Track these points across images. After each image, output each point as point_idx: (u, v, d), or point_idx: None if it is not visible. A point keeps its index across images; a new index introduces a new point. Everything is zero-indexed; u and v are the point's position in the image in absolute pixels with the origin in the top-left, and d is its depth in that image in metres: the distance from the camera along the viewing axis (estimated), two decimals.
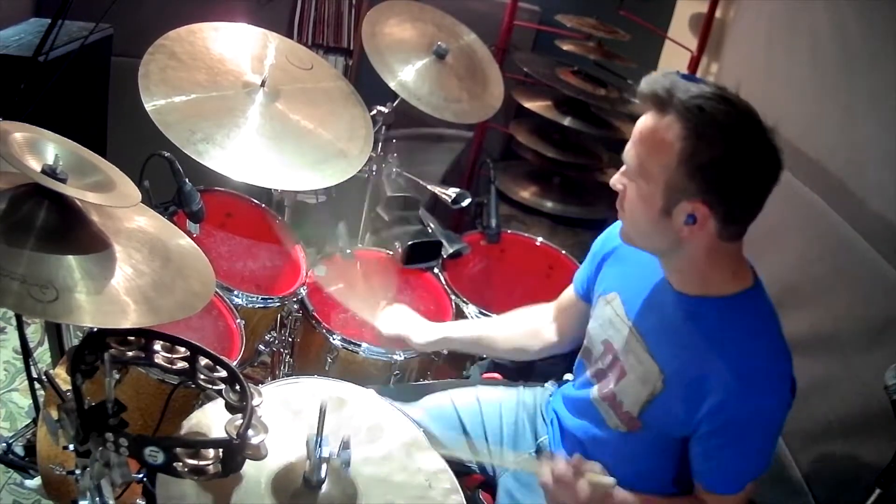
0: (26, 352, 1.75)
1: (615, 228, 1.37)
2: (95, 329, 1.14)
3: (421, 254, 2.05)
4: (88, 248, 1.11)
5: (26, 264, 1.03)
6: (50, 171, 1.08)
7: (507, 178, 2.89)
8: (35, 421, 1.86)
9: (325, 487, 1.14)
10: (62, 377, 1.39)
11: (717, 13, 2.69)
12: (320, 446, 1.11)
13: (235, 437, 1.05)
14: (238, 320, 1.72)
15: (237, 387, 1.16)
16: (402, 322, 1.74)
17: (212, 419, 1.23)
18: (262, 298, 1.83)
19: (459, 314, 1.98)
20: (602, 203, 2.82)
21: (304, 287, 1.91)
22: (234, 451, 1.05)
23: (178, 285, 1.19)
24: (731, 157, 1.09)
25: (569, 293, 1.59)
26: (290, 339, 1.98)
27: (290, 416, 1.29)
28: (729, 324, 1.21)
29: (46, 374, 1.37)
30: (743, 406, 1.17)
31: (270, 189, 2.32)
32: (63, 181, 1.09)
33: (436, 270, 2.08)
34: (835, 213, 1.61)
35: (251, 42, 1.94)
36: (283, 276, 2.03)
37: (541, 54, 2.99)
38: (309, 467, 1.13)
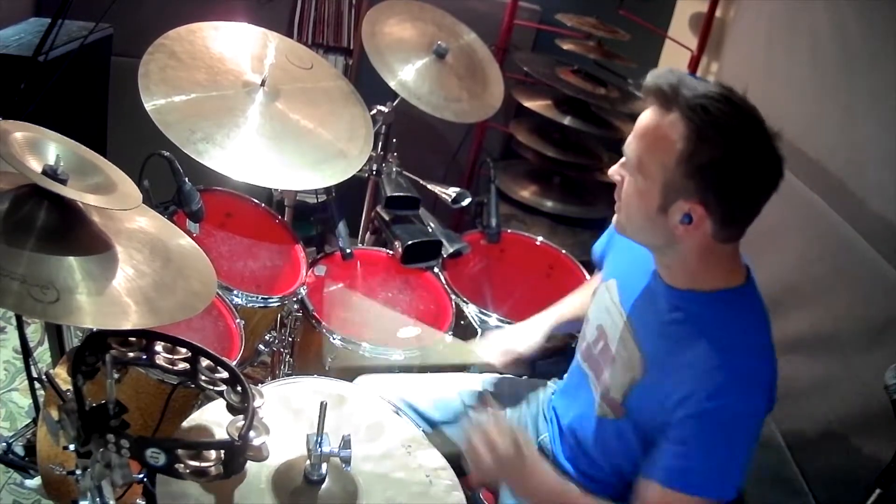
0: (26, 352, 1.75)
1: None
2: (96, 330, 1.14)
3: (421, 254, 2.05)
4: (89, 249, 1.11)
5: (26, 264, 1.03)
6: (51, 172, 1.08)
7: (507, 177, 2.89)
8: (35, 421, 1.86)
9: (325, 485, 1.14)
10: (62, 377, 1.39)
11: (717, 13, 2.69)
12: (320, 444, 1.11)
13: (237, 438, 1.05)
14: (238, 320, 1.72)
15: (238, 388, 1.16)
16: (500, 340, 1.65)
17: (212, 419, 1.23)
18: (262, 298, 1.83)
19: (459, 314, 1.98)
20: (602, 202, 2.82)
21: (304, 287, 1.91)
22: (236, 453, 1.05)
23: (179, 285, 1.19)
24: (731, 161, 1.08)
25: (597, 276, 1.60)
26: (290, 339, 1.98)
27: (291, 414, 1.29)
28: (712, 319, 1.20)
29: (46, 374, 1.37)
30: (712, 407, 1.14)
31: (270, 189, 2.32)
32: (64, 182, 1.08)
33: (436, 270, 2.08)
34: (835, 213, 1.61)
35: (251, 42, 1.94)
36: (283, 275, 2.03)
37: (541, 54, 2.98)
38: (309, 465, 1.13)
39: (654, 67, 3.09)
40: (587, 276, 2.14)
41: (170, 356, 1.19)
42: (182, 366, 1.19)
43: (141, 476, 1.13)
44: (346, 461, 1.13)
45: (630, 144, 1.18)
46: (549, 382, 1.65)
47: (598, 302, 1.43)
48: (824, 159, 1.68)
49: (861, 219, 1.53)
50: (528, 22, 2.97)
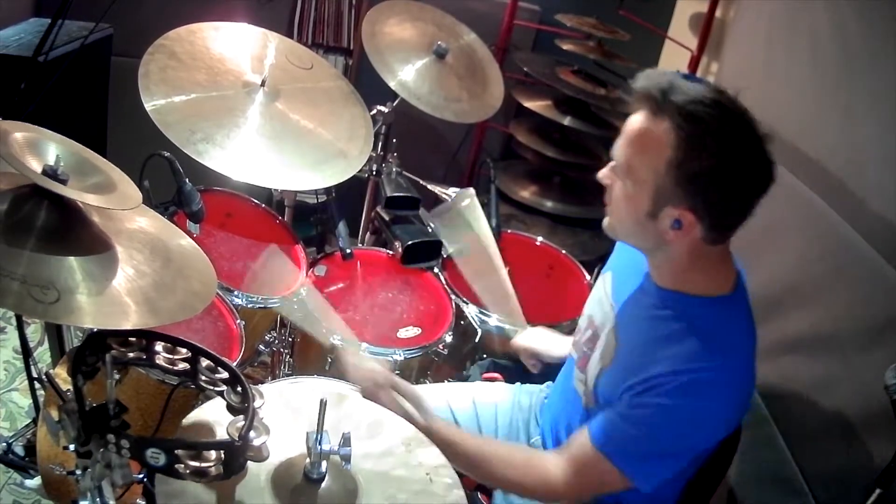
0: (26, 352, 1.75)
1: None
2: (96, 330, 1.14)
3: (421, 254, 2.05)
4: (90, 249, 1.11)
5: (27, 265, 1.03)
6: (51, 173, 1.08)
7: (507, 177, 2.89)
8: (35, 421, 1.86)
9: (325, 483, 1.14)
10: (62, 377, 1.39)
11: (717, 13, 2.69)
12: (320, 442, 1.11)
13: (237, 438, 1.05)
14: (238, 320, 1.72)
15: (239, 388, 1.16)
16: (533, 337, 1.74)
17: (211, 417, 1.23)
18: (262, 298, 1.83)
19: (459, 314, 1.98)
20: (602, 203, 2.82)
21: (304, 287, 1.91)
22: (236, 453, 1.05)
23: (179, 286, 1.19)
24: (723, 169, 1.07)
25: None
26: (290, 339, 1.98)
27: (290, 412, 1.29)
28: (694, 323, 1.19)
29: (46, 374, 1.37)
30: (666, 397, 1.14)
31: (270, 189, 2.32)
32: (64, 182, 1.08)
33: (436, 270, 2.08)
34: (835, 213, 1.61)
35: (251, 42, 1.94)
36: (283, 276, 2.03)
37: (541, 54, 2.99)
38: (309, 463, 1.13)
39: (654, 67, 3.10)
40: (587, 276, 2.14)
41: (170, 356, 1.19)
42: (182, 366, 1.19)
43: (141, 476, 1.13)
44: (346, 459, 1.13)
45: (620, 148, 1.18)
46: (541, 387, 1.65)
47: (593, 294, 1.45)
48: (824, 159, 1.68)
49: (861, 219, 1.53)
50: (528, 22, 2.97)
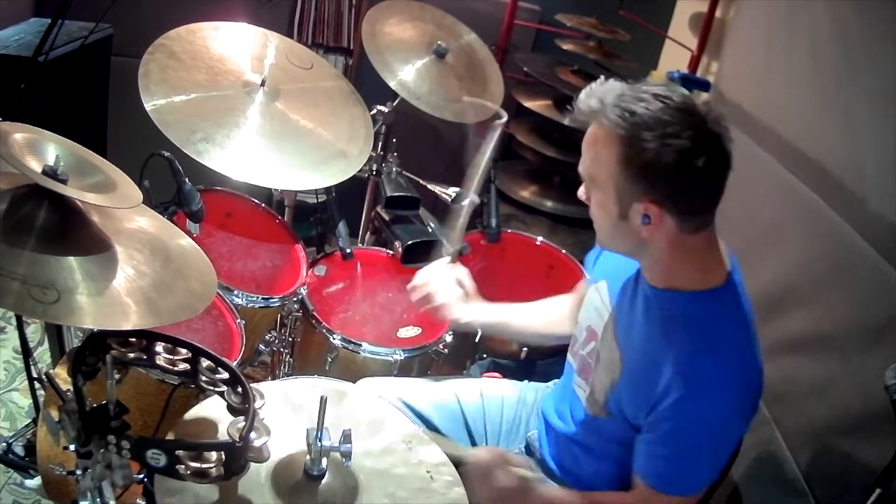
0: (26, 352, 1.75)
1: None
2: (96, 330, 1.14)
3: (421, 254, 2.05)
4: (89, 249, 1.11)
5: (27, 265, 1.03)
6: (51, 172, 1.08)
7: (507, 177, 2.89)
8: (35, 421, 1.86)
9: (326, 480, 1.14)
10: (62, 377, 1.39)
11: (717, 13, 2.69)
12: (320, 439, 1.11)
13: (238, 440, 1.05)
14: (238, 320, 1.72)
15: (239, 389, 1.16)
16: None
17: (211, 417, 1.23)
18: (262, 298, 1.83)
19: None
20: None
21: (304, 287, 1.91)
22: (237, 455, 1.05)
23: (179, 286, 1.19)
24: (668, 154, 1.09)
25: (583, 281, 1.61)
26: (290, 339, 1.98)
27: (291, 409, 1.29)
28: (688, 320, 1.21)
29: (46, 374, 1.37)
30: (685, 407, 1.16)
31: (270, 189, 2.32)
32: (64, 182, 1.08)
33: None
34: (835, 213, 1.61)
35: (251, 42, 1.94)
36: (283, 275, 2.03)
37: (541, 54, 2.99)
38: (309, 460, 1.13)
39: (654, 68, 3.10)
40: (587, 276, 2.14)
41: (170, 356, 1.19)
42: (182, 366, 1.19)
43: (141, 476, 1.13)
44: (347, 456, 1.13)
45: (582, 163, 1.23)
46: (547, 384, 1.65)
47: (588, 304, 1.45)
48: (824, 159, 1.68)
49: (861, 219, 1.53)
50: (528, 22, 2.97)
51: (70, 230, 1.11)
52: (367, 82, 2.19)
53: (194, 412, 1.25)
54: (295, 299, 1.89)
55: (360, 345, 1.81)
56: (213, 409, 1.24)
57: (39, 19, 2.32)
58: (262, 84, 1.81)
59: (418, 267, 2.05)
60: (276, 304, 1.86)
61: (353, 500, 1.14)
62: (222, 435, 1.13)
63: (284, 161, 1.76)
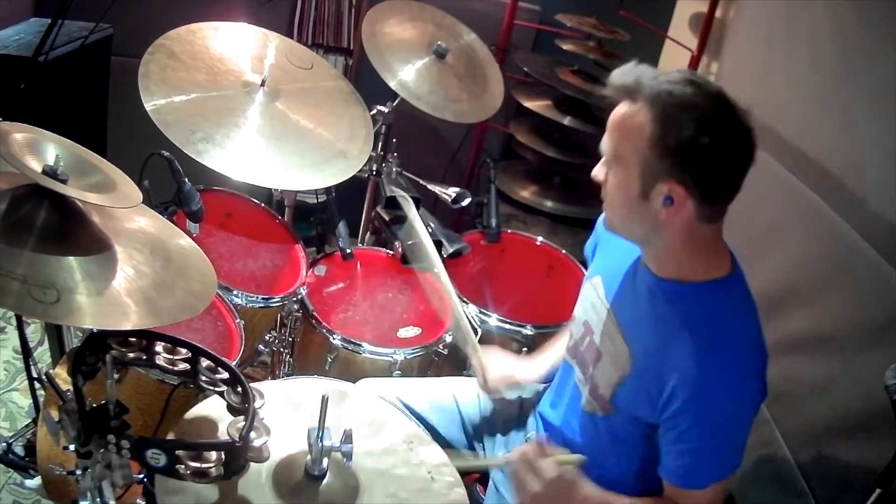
0: (26, 352, 1.75)
1: None
2: (96, 330, 1.14)
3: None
4: (89, 249, 1.11)
5: (27, 265, 1.03)
6: (51, 172, 1.08)
7: (507, 177, 2.89)
8: (35, 421, 1.86)
9: (326, 480, 1.14)
10: (62, 377, 1.39)
11: (717, 13, 2.69)
12: (321, 439, 1.11)
13: (238, 439, 1.05)
14: (238, 320, 1.72)
15: (239, 389, 1.16)
16: (509, 365, 1.60)
17: (211, 416, 1.23)
18: (262, 298, 1.83)
19: None
20: (602, 203, 2.82)
21: (304, 287, 1.91)
22: (237, 454, 1.05)
23: (179, 286, 1.19)
24: (702, 138, 1.10)
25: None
26: (290, 339, 1.98)
27: (292, 409, 1.29)
28: (698, 311, 1.21)
29: (46, 374, 1.37)
30: (703, 399, 1.17)
31: (270, 189, 2.32)
32: (64, 182, 1.08)
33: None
34: (835, 213, 1.61)
35: (251, 42, 1.94)
36: (283, 275, 2.03)
37: (541, 54, 2.99)
38: (310, 459, 1.13)
39: (654, 67, 3.08)
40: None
41: (170, 356, 1.19)
42: (182, 366, 1.19)
43: (141, 476, 1.13)
44: (348, 456, 1.13)
45: (605, 141, 1.21)
46: (546, 384, 1.65)
47: (583, 299, 1.45)
48: (824, 159, 1.68)
49: (861, 219, 1.53)
50: (527, 22, 2.97)
51: (70, 230, 1.11)
52: (367, 82, 2.19)
53: (194, 412, 1.25)
54: (295, 299, 1.89)
55: (360, 345, 1.81)
56: (212, 408, 1.24)
57: (39, 19, 2.32)
58: (262, 84, 1.81)
59: (418, 267, 2.07)
60: (276, 304, 1.86)
61: (354, 500, 1.14)
62: (222, 435, 1.13)
63: (284, 161, 1.76)
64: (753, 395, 1.21)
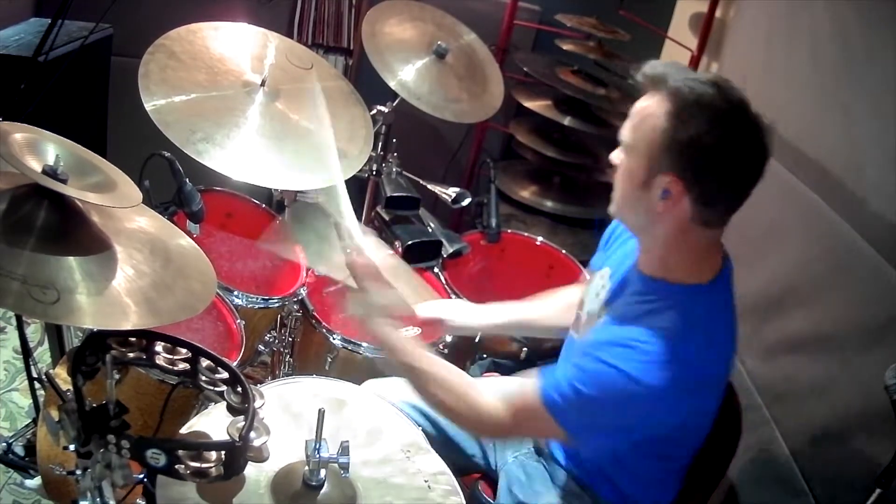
0: (26, 352, 1.75)
1: None
2: (96, 330, 1.14)
3: (421, 253, 2.05)
4: (89, 249, 1.11)
5: (26, 265, 1.03)
6: (50, 172, 1.08)
7: (507, 177, 2.89)
8: (35, 421, 1.86)
9: (324, 489, 1.15)
10: (62, 377, 1.39)
11: (717, 13, 2.69)
12: (318, 451, 1.12)
13: (237, 439, 1.05)
14: (238, 320, 1.72)
15: (239, 388, 1.16)
16: (441, 305, 1.68)
17: (213, 422, 1.23)
18: (262, 298, 1.83)
19: None
20: (602, 203, 2.80)
21: (304, 287, 1.91)
22: (237, 454, 1.05)
23: (179, 286, 1.19)
24: (710, 139, 1.10)
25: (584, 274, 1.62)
26: (290, 339, 1.98)
27: (291, 417, 1.29)
28: (669, 307, 1.20)
29: (46, 374, 1.37)
30: (618, 367, 1.16)
31: (270, 189, 2.32)
32: (64, 182, 1.08)
33: (436, 270, 2.08)
34: (835, 213, 1.61)
35: (251, 42, 1.94)
36: (283, 276, 2.03)
37: (541, 54, 2.98)
38: (308, 470, 1.13)
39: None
40: (587, 276, 2.14)
41: (170, 356, 1.19)
42: (182, 366, 1.19)
43: (141, 477, 1.13)
44: (345, 468, 1.13)
45: (624, 128, 1.22)
46: None
47: (590, 289, 1.45)
48: (824, 159, 1.68)
49: (861, 219, 1.53)
50: (527, 22, 2.97)
51: (70, 230, 1.11)
52: (367, 82, 2.19)
53: (194, 422, 1.25)
54: (295, 299, 1.89)
55: (360, 345, 1.81)
56: (213, 414, 1.24)
57: (39, 19, 2.31)
58: (263, 84, 1.81)
59: (418, 267, 2.07)
60: (276, 305, 1.86)
61: None
62: (222, 434, 1.13)
63: (284, 161, 1.76)
64: (659, 401, 1.17)
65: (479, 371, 1.89)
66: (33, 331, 2.25)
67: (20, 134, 1.14)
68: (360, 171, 1.89)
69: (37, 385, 1.79)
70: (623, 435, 1.26)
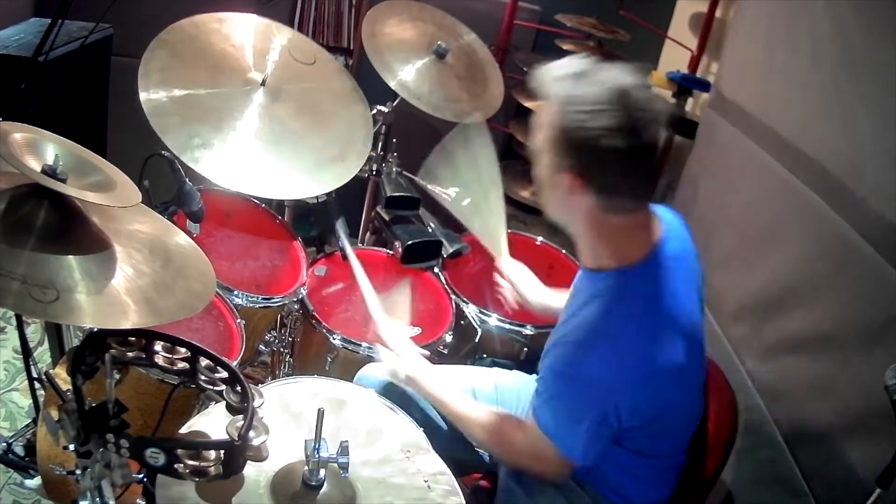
0: (26, 352, 1.75)
1: None
2: (96, 329, 1.14)
3: (421, 253, 2.05)
4: (89, 249, 1.11)
5: (26, 264, 1.03)
6: (50, 172, 1.08)
7: (507, 177, 2.87)
8: (35, 421, 1.86)
9: (324, 489, 1.14)
10: (62, 377, 1.39)
11: (717, 13, 2.70)
12: (318, 451, 1.12)
13: (237, 438, 1.05)
14: (238, 320, 1.72)
15: (238, 388, 1.16)
16: (519, 268, 1.87)
17: (212, 422, 1.23)
18: (262, 298, 1.83)
19: (459, 314, 1.98)
20: None
21: (304, 287, 1.91)
22: (236, 453, 1.05)
23: (179, 285, 1.19)
24: (590, 132, 1.15)
25: None
26: (290, 339, 1.98)
27: (290, 417, 1.29)
28: (601, 294, 1.27)
29: (46, 374, 1.37)
30: (560, 362, 1.25)
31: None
32: (63, 181, 1.08)
33: (436, 270, 2.08)
34: (835, 213, 1.61)
35: (254, 37, 1.93)
36: (283, 275, 2.03)
37: (541, 54, 2.98)
38: (308, 470, 1.13)
39: (654, 68, 3.09)
40: None
41: (169, 356, 1.19)
42: (182, 365, 1.19)
43: (141, 476, 1.13)
44: (344, 468, 1.13)
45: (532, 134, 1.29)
46: None
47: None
48: (824, 159, 1.68)
49: (861, 219, 1.53)
50: (528, 22, 2.97)
51: (70, 230, 1.12)
52: (367, 82, 2.19)
53: (193, 422, 1.25)
54: (295, 299, 1.89)
55: (360, 345, 1.81)
56: (213, 414, 1.24)
57: (39, 19, 2.32)
58: (263, 83, 1.81)
59: (418, 267, 2.07)
60: (276, 305, 1.86)
61: None
62: (221, 434, 1.13)
63: (284, 164, 1.75)
64: (603, 384, 1.22)
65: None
66: (33, 331, 2.25)
67: (20, 134, 1.14)
68: (361, 171, 1.89)
69: (37, 385, 1.79)
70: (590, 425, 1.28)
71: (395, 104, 2.19)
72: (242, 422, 1.08)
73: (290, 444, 1.19)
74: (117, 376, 1.12)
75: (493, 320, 1.95)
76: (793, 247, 1.75)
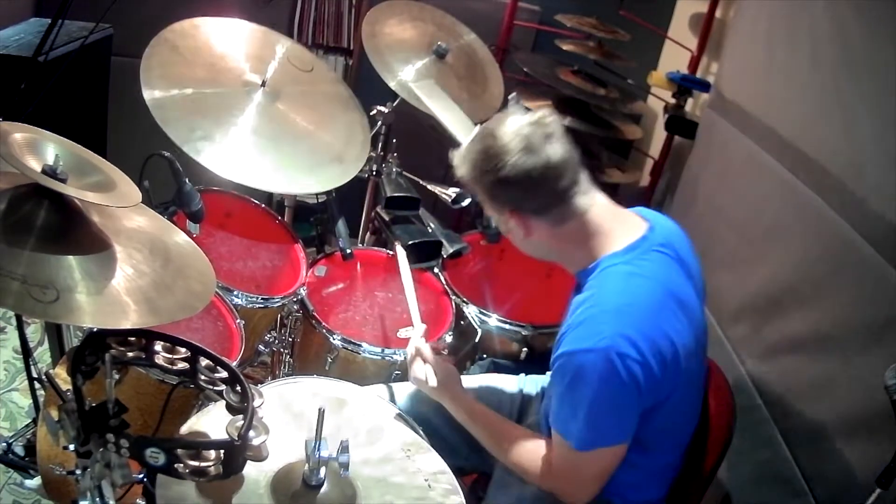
0: (26, 352, 1.75)
1: None
2: (96, 329, 1.14)
3: (421, 254, 2.05)
4: (89, 249, 1.11)
5: (26, 264, 1.03)
6: (50, 172, 1.08)
7: None
8: (35, 421, 1.86)
9: (324, 489, 1.14)
10: (62, 377, 1.39)
11: (717, 13, 2.70)
12: (318, 450, 1.11)
13: (237, 438, 1.05)
14: (238, 320, 1.72)
15: (238, 388, 1.16)
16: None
17: (212, 421, 1.23)
18: (262, 298, 1.83)
19: (459, 314, 1.98)
20: None
21: (304, 287, 1.91)
22: (236, 453, 1.05)
23: (179, 285, 1.19)
24: (496, 173, 1.29)
25: None
26: (290, 339, 1.98)
27: (291, 417, 1.29)
28: (587, 288, 1.33)
29: (46, 374, 1.37)
30: (560, 358, 1.28)
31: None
32: (63, 181, 1.08)
33: (436, 270, 2.08)
34: (835, 213, 1.61)
35: (254, 41, 1.94)
36: (283, 275, 2.03)
37: (541, 54, 2.99)
38: (308, 469, 1.13)
39: (654, 68, 3.09)
40: None
41: (169, 356, 1.19)
42: (181, 365, 1.19)
43: (141, 476, 1.13)
44: (344, 467, 1.13)
45: None
46: (545, 375, 1.67)
47: None
48: (824, 159, 1.68)
49: (861, 219, 1.53)
50: (527, 22, 2.97)
51: (70, 229, 1.12)
52: (367, 83, 2.20)
53: (193, 421, 1.25)
54: (295, 299, 1.89)
55: (360, 345, 1.81)
56: (212, 413, 1.24)
57: (39, 19, 2.32)
58: (263, 85, 1.81)
59: (418, 267, 2.07)
60: (276, 305, 1.86)
61: None
62: (221, 433, 1.13)
63: (282, 163, 1.76)
64: (603, 370, 1.23)
65: (480, 371, 1.89)
66: (33, 331, 2.25)
67: (20, 134, 1.14)
68: (361, 171, 1.89)
69: (37, 385, 1.79)
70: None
71: (394, 104, 2.19)
72: (242, 422, 1.07)
73: (290, 444, 1.19)
74: (117, 376, 1.12)
75: (493, 320, 1.95)
76: (793, 247, 1.75)
